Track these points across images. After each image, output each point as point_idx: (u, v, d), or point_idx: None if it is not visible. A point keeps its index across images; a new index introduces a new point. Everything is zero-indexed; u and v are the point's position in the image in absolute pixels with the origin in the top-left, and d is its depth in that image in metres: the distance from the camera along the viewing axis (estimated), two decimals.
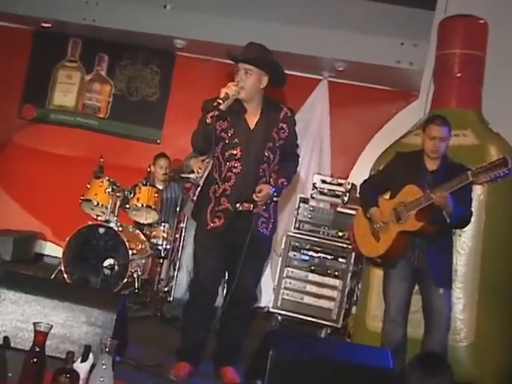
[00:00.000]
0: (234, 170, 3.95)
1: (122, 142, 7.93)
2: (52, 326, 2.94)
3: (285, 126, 4.05)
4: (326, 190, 6.30)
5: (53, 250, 7.68)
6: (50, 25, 7.87)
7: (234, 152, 3.95)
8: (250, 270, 4.02)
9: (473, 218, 4.48)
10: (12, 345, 3.64)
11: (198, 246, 4.13)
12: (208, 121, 3.85)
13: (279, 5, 7.19)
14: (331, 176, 6.67)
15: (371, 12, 7.07)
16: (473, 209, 4.44)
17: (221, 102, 3.83)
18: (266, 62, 3.98)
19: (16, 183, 7.96)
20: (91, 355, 3.11)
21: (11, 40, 8.15)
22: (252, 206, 3.96)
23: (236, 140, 3.96)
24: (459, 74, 5.49)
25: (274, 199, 4.06)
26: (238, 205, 3.95)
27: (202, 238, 4.09)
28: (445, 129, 4.34)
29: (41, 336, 2.88)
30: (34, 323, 2.91)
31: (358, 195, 4.90)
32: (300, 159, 4.40)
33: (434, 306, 4.24)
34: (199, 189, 4.44)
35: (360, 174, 4.98)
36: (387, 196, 4.54)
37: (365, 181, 4.75)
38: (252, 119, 4.01)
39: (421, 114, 5.91)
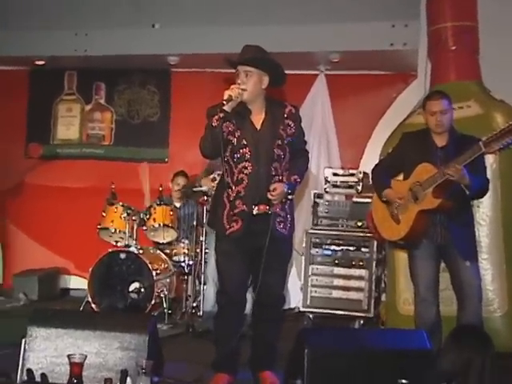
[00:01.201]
0: (246, 171, 3.94)
1: (131, 166, 7.93)
2: (86, 356, 2.95)
3: (291, 122, 4.04)
4: (338, 183, 6.29)
5: (78, 282, 7.69)
6: (43, 62, 7.91)
7: (243, 153, 3.95)
8: (273, 271, 4.00)
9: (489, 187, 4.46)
10: (50, 380, 3.63)
11: (219, 254, 4.12)
12: (214, 124, 3.86)
13: (265, 7, 7.17)
14: (342, 168, 6.65)
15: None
16: (488, 177, 4.42)
17: (225, 103, 3.84)
18: (264, 61, 3.98)
19: (32, 222, 8.00)
20: (129, 379, 3.11)
21: (8, 82, 8.19)
22: (268, 206, 3.94)
23: (244, 141, 3.95)
24: (454, 47, 5.47)
25: (289, 197, 4.03)
26: (254, 208, 3.94)
27: (222, 247, 4.08)
28: (443, 101, 4.32)
29: (76, 367, 2.89)
30: (69, 355, 2.92)
31: (370, 182, 4.89)
32: (309, 156, 4.39)
33: (463, 280, 4.22)
34: (212, 196, 4.42)
35: (370, 161, 4.96)
36: (400, 177, 4.52)
37: (375, 166, 4.73)
38: (257, 119, 4.02)
39: (422, 93, 5.87)
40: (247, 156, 3.94)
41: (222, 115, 3.84)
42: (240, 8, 7.30)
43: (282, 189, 3.93)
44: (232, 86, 3.91)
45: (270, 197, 3.91)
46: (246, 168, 3.95)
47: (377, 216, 4.63)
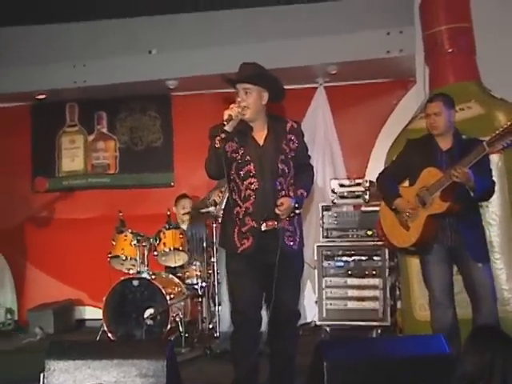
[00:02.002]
0: (252, 187, 3.95)
1: (138, 193, 7.95)
2: None
3: (293, 137, 4.06)
4: (345, 193, 6.28)
5: (92, 312, 7.68)
6: (44, 96, 7.96)
7: (248, 169, 3.96)
8: (286, 287, 3.98)
9: (496, 187, 4.44)
10: None
11: (231, 273, 4.12)
12: (217, 145, 3.87)
13: (259, 25, 7.22)
14: (348, 178, 6.64)
15: (351, 10, 7.07)
16: (494, 178, 4.40)
17: (225, 123, 3.86)
18: (262, 77, 4.00)
19: (44, 256, 8.00)
20: None
21: (11, 119, 8.24)
22: (276, 222, 3.94)
23: (248, 157, 3.97)
24: (450, 49, 5.48)
25: (297, 211, 4.02)
26: (262, 225, 3.94)
27: (233, 265, 4.07)
28: (438, 103, 4.34)
29: None
30: None
31: (377, 189, 4.88)
32: (315, 169, 4.39)
33: (477, 282, 4.20)
34: (221, 216, 4.42)
35: (375, 170, 4.96)
36: (406, 184, 4.51)
37: (380, 174, 4.73)
38: (260, 135, 4.03)
39: (422, 98, 5.88)
40: (252, 172, 3.96)
41: (223, 136, 3.86)
42: (234, 27, 7.36)
43: (289, 203, 3.92)
44: (231, 106, 3.93)
45: (277, 212, 3.91)
46: (252, 184, 3.96)
47: (386, 224, 4.62)
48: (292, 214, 3.98)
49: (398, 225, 4.46)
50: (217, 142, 3.86)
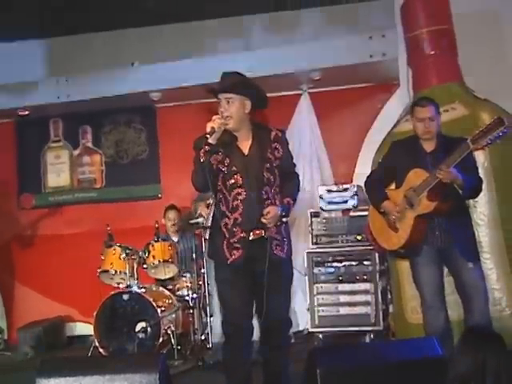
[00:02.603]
0: (240, 198, 3.95)
1: (125, 206, 7.93)
2: None
3: (278, 145, 4.06)
4: (334, 199, 6.28)
5: (83, 328, 7.61)
6: (27, 112, 7.93)
7: (235, 179, 3.96)
8: (276, 296, 3.98)
9: (483, 186, 4.45)
10: None
11: (220, 284, 4.10)
12: (202, 159, 3.87)
13: (240, 34, 7.25)
14: (335, 184, 6.65)
15: (332, 16, 7.13)
16: (481, 175, 4.42)
17: (208, 136, 3.86)
18: (244, 86, 4.00)
19: (32, 274, 7.94)
20: None
21: None
22: (263, 230, 3.94)
23: (234, 168, 3.97)
24: (432, 52, 5.52)
25: (284, 220, 4.03)
26: (249, 234, 3.93)
27: (222, 275, 4.06)
28: (431, 108, 4.34)
29: None
30: None
31: (365, 194, 4.88)
32: (301, 177, 4.40)
33: (467, 282, 4.20)
34: (209, 227, 4.41)
35: (363, 174, 4.95)
36: (393, 187, 4.52)
37: (367, 178, 4.73)
38: (244, 145, 4.03)
39: (406, 101, 5.92)
40: (239, 182, 3.96)
41: (207, 148, 3.86)
42: (215, 37, 7.38)
43: (276, 212, 3.93)
44: (213, 117, 3.92)
45: (263, 221, 3.90)
46: (239, 194, 3.95)
47: (374, 227, 4.62)
48: (279, 223, 3.99)
49: (387, 227, 4.46)
50: (201, 155, 3.87)
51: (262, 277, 3.89)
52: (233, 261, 3.95)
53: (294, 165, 4.25)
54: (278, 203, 4.00)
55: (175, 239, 6.80)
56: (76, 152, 8.26)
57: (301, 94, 7.51)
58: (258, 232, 3.94)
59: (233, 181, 3.96)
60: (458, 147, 4.10)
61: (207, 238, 5.19)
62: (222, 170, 3.97)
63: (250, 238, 3.94)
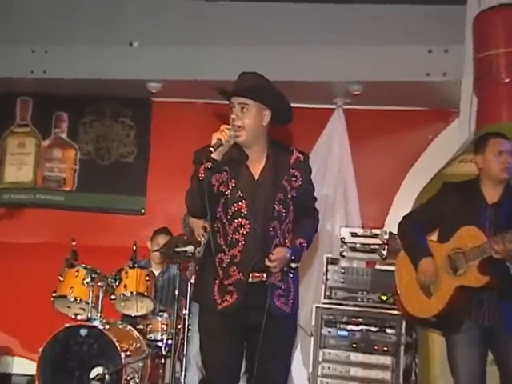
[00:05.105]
0: (242, 231, 3.92)
1: (98, 218, 7.95)
2: None
3: (297, 172, 4.04)
4: (358, 245, 6.28)
5: (23, 366, 7.59)
6: None
7: (239, 207, 3.93)
8: (272, 358, 3.95)
9: None
10: None
11: (204, 334, 4.08)
12: (201, 176, 3.85)
13: (269, 26, 7.28)
14: (362, 227, 6.66)
15: (386, 17, 7.14)
16: None
17: (213, 150, 3.81)
18: (265, 92, 3.98)
19: None
20: None
21: None
22: (265, 274, 3.91)
23: (239, 193, 3.94)
24: (507, 79, 5.50)
25: (293, 265, 4.00)
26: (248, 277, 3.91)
27: (208, 324, 4.03)
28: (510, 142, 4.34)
29: None
30: None
31: (397, 241, 4.85)
32: (321, 212, 4.37)
33: None
34: (199, 261, 4.38)
35: (397, 220, 4.93)
36: (435, 237, 4.49)
37: (404, 218, 4.70)
38: (256, 166, 4.01)
39: (465, 135, 5.93)
40: (243, 211, 3.93)
41: (209, 165, 3.82)
42: (235, 24, 7.40)
43: (284, 254, 3.90)
44: (222, 127, 3.88)
45: (268, 263, 3.87)
46: (242, 227, 3.93)
47: (401, 284, 4.60)
48: (286, 268, 3.96)
49: (417, 288, 4.43)
50: (201, 171, 3.84)
51: (257, 331, 3.85)
52: (224, 308, 3.92)
53: (315, 199, 4.23)
54: (288, 244, 3.97)
55: (157, 271, 6.76)
56: (45, 143, 8.30)
57: (334, 109, 7.54)
58: (258, 275, 3.91)
59: (236, 209, 3.94)
60: None
61: (195, 272, 5.16)
62: (225, 193, 3.95)
63: (249, 281, 3.91)
